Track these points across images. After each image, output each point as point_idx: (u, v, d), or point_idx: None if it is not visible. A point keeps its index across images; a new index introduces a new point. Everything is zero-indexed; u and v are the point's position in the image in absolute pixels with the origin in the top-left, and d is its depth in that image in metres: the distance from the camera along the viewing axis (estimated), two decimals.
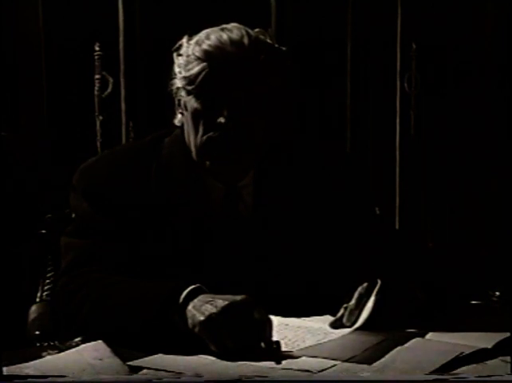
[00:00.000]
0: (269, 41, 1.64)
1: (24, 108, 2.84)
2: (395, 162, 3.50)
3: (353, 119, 3.41)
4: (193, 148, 1.67)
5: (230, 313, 1.42)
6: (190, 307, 1.46)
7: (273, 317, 1.47)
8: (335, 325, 1.59)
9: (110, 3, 2.91)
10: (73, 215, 1.81)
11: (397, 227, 3.45)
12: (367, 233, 1.79)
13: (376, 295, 1.56)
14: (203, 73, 1.59)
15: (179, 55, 1.65)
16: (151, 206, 1.69)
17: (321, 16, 3.30)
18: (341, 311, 1.60)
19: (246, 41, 1.60)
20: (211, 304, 1.44)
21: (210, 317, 1.42)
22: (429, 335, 1.49)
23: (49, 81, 2.88)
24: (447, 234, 3.50)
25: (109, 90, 2.94)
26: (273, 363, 1.33)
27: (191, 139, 1.66)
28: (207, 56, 1.59)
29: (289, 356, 1.37)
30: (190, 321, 1.45)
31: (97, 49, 2.90)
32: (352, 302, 1.59)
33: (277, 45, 1.66)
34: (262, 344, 1.40)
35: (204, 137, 1.63)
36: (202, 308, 1.44)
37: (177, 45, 1.67)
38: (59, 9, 2.85)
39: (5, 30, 2.77)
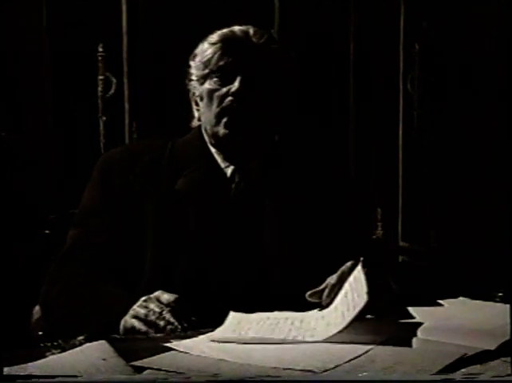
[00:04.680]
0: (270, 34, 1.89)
1: (28, 109, 2.85)
2: (398, 162, 3.50)
3: (356, 119, 3.41)
4: (208, 124, 1.85)
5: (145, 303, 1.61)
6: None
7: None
8: (313, 296, 1.65)
9: (114, 4, 2.92)
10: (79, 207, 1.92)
11: (400, 227, 3.46)
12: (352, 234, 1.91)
13: (358, 271, 1.61)
14: (218, 52, 1.82)
15: (195, 56, 1.87)
16: (162, 183, 1.84)
17: (324, 17, 3.30)
18: (324, 284, 1.66)
19: (251, 31, 1.85)
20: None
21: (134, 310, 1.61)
22: (431, 336, 1.49)
23: (54, 82, 2.88)
24: (450, 235, 3.50)
25: (113, 91, 2.94)
26: (276, 363, 1.33)
27: (208, 117, 1.85)
28: (220, 38, 1.84)
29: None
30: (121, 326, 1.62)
31: (101, 50, 2.91)
32: (334, 276, 1.65)
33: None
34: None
35: (218, 108, 1.82)
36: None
37: (193, 54, 1.88)
38: (63, 10, 2.86)
39: (10, 31, 2.78)
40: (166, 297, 1.61)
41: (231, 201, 1.85)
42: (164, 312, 1.57)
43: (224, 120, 1.81)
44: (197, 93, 1.88)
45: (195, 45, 1.90)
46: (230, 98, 1.80)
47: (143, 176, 1.84)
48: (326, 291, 1.64)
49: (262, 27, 1.88)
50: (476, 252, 3.39)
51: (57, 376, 1.27)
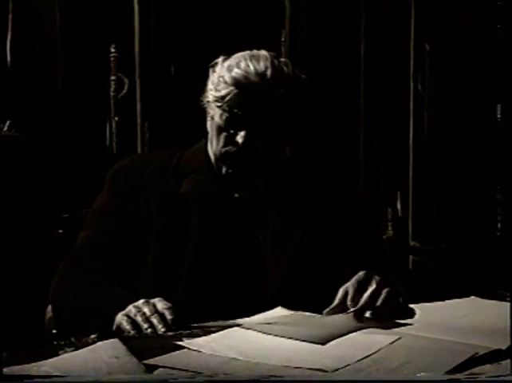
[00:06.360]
0: (290, 71, 1.83)
1: (41, 109, 2.86)
2: (409, 162, 3.50)
3: (367, 120, 3.41)
4: (212, 155, 1.89)
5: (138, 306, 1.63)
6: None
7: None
8: (329, 313, 1.69)
9: (126, 5, 2.93)
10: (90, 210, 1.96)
11: (411, 228, 3.46)
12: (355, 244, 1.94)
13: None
14: (229, 96, 1.79)
15: (214, 72, 1.84)
16: (167, 187, 1.89)
17: (335, 17, 3.31)
18: (338, 299, 1.72)
19: (268, 73, 1.79)
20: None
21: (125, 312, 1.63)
22: (443, 335, 1.49)
23: (66, 82, 2.90)
24: (460, 234, 3.50)
25: (125, 91, 2.96)
26: (288, 362, 1.34)
27: (213, 146, 1.87)
28: (235, 82, 1.79)
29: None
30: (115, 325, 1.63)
31: (113, 50, 2.92)
32: (349, 283, 1.72)
33: (297, 74, 1.85)
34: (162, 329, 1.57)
35: (223, 149, 1.85)
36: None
37: (213, 63, 1.85)
38: (75, 11, 2.88)
39: (23, 32, 2.79)
40: (161, 304, 1.63)
41: (233, 205, 1.89)
42: (153, 317, 1.59)
43: (225, 162, 1.86)
44: (210, 110, 1.86)
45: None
46: (234, 148, 1.82)
47: (151, 180, 1.90)
48: (349, 296, 1.71)
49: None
50: (486, 252, 3.39)
51: (70, 375, 1.28)
